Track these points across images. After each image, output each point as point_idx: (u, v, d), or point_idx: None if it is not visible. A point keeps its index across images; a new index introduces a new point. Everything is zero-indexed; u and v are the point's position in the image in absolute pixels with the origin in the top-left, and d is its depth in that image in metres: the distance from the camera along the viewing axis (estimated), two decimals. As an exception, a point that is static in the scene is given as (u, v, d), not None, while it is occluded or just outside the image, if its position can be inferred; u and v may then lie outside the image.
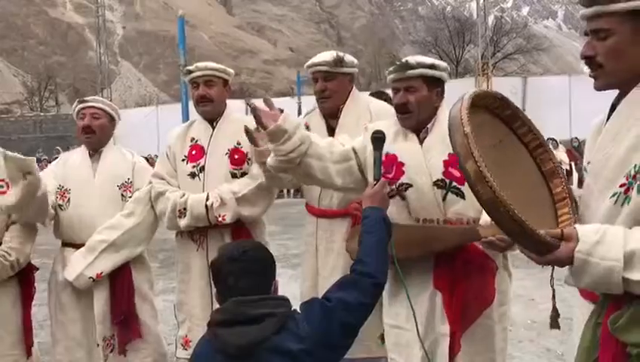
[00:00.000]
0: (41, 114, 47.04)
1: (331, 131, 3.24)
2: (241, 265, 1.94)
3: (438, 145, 2.51)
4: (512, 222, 1.57)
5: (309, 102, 3.39)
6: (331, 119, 3.28)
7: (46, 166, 13.22)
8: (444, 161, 2.49)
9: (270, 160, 2.60)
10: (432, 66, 2.56)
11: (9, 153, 3.01)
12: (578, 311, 2.54)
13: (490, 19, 47.22)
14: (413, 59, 2.60)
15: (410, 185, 2.53)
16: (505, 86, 22.27)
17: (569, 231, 1.61)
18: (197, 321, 3.36)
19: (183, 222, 3.31)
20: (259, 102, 2.58)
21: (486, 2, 30.19)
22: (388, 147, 2.50)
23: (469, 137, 1.64)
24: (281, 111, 2.57)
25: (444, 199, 2.50)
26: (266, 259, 2.02)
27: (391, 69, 2.62)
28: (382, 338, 2.83)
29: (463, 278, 2.49)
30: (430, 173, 2.51)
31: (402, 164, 2.56)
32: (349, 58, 3.24)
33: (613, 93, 1.76)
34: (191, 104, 4.24)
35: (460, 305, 2.48)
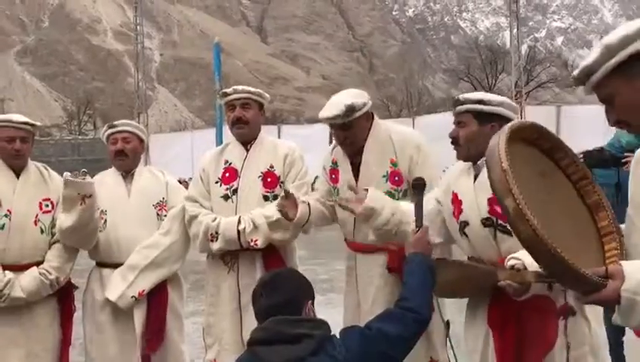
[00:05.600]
0: (79, 137, 48.25)
1: (355, 168, 3.22)
2: (271, 286, 2.02)
3: (485, 181, 2.50)
4: (554, 261, 1.51)
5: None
6: (355, 155, 3.27)
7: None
8: (489, 199, 2.43)
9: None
10: (479, 102, 2.52)
11: (70, 178, 3.15)
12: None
13: (524, 48, 46.97)
14: (463, 94, 2.61)
15: (467, 223, 2.50)
16: (538, 115, 22.01)
17: (614, 268, 1.53)
18: (226, 345, 3.35)
19: (215, 246, 3.34)
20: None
21: (519, 31, 30.08)
22: (454, 184, 2.56)
23: (507, 173, 1.59)
24: (366, 190, 2.74)
25: (494, 237, 2.44)
26: (296, 281, 2.06)
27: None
28: None
29: (516, 318, 2.39)
30: (480, 210, 2.47)
31: (460, 202, 2.53)
32: (359, 101, 3.09)
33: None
34: (225, 129, 4.33)
35: (512, 346, 2.38)
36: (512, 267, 2.25)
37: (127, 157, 3.53)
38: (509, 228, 2.19)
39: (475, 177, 2.53)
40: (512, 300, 2.34)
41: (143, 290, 3.35)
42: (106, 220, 3.44)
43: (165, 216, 3.51)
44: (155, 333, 3.38)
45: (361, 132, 3.17)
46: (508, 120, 2.48)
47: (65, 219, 3.23)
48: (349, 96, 3.14)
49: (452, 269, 2.43)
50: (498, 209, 2.38)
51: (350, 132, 3.13)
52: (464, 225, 2.52)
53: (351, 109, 3.04)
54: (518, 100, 27.94)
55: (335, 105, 3.09)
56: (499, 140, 1.68)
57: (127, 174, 3.57)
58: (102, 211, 3.45)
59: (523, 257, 2.21)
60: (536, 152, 1.88)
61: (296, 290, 2.04)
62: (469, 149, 2.54)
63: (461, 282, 2.42)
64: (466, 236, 2.53)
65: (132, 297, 3.33)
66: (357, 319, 3.17)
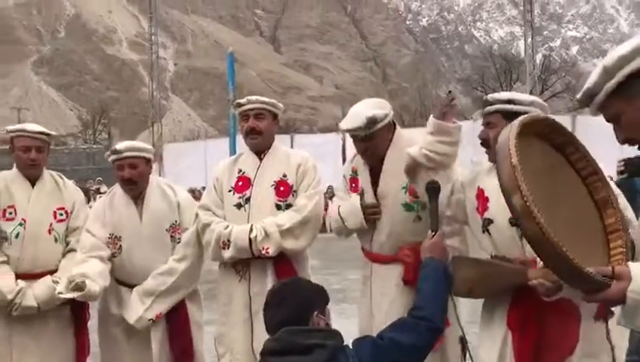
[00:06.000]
0: (94, 146, 48.71)
1: (375, 176, 3.21)
2: (276, 301, 2.04)
3: None
4: (559, 259, 1.51)
5: (354, 137, 3.36)
6: (375, 164, 3.26)
7: (94, 198, 13.59)
8: None
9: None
10: (509, 101, 2.51)
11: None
12: None
13: (538, 58, 46.79)
14: (492, 95, 2.59)
15: (492, 221, 2.49)
16: (553, 124, 21.88)
17: (621, 269, 1.54)
18: (237, 355, 3.34)
19: (226, 254, 3.33)
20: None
21: (534, 41, 29.99)
22: (480, 180, 2.55)
23: (516, 169, 1.59)
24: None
25: (521, 237, 2.41)
26: (301, 293, 2.06)
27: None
28: None
29: (537, 320, 2.37)
30: (508, 210, 2.47)
31: (487, 200, 2.53)
32: (380, 112, 3.05)
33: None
34: (238, 138, 4.33)
35: (531, 348, 2.36)
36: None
37: (135, 185, 3.45)
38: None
39: None
40: (533, 302, 2.32)
41: (160, 313, 3.38)
42: (120, 246, 3.44)
43: (179, 238, 3.49)
44: (178, 350, 3.41)
45: (382, 143, 3.15)
46: None
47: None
48: (371, 107, 3.11)
49: (472, 267, 2.41)
50: None
51: (371, 143, 3.12)
52: (488, 222, 2.50)
53: (372, 121, 3.01)
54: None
55: (356, 116, 3.06)
56: (509, 135, 1.68)
57: (138, 197, 3.51)
58: (116, 237, 3.43)
59: None
60: (546, 146, 1.88)
61: (300, 304, 2.03)
62: None
63: (482, 281, 2.40)
64: (489, 233, 2.51)
65: (149, 320, 3.36)
66: (370, 329, 3.15)
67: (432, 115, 2.77)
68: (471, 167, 2.76)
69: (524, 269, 2.35)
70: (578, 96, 1.69)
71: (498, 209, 2.46)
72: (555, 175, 1.84)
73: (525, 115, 1.88)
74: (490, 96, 2.58)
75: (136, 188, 3.47)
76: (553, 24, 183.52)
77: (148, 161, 3.52)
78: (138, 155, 3.45)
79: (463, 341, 2.58)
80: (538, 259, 2.30)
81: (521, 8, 35.07)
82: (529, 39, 29.75)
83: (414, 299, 2.14)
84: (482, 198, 2.55)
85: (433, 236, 2.32)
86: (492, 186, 2.50)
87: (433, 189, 2.40)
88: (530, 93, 29.09)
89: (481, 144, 2.60)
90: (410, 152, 2.77)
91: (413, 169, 2.78)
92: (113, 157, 3.45)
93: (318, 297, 2.10)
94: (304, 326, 1.95)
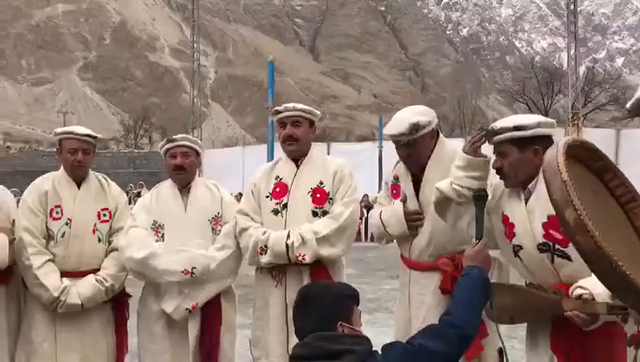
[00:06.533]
0: (135, 151, 49.72)
1: (417, 183, 3.21)
2: (301, 308, 2.07)
3: (539, 205, 2.40)
4: (615, 274, 1.46)
5: (391, 146, 3.37)
6: (417, 171, 3.24)
7: (134, 201, 13.88)
8: (544, 224, 2.37)
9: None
10: (517, 128, 2.45)
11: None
12: None
13: (582, 70, 45.83)
14: (498, 123, 2.54)
15: (521, 247, 2.45)
16: (596, 137, 21.38)
17: None
18: (273, 359, 3.37)
19: (263, 259, 3.37)
20: None
21: (578, 52, 29.39)
22: (503, 206, 2.51)
23: (567, 184, 1.56)
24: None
25: (552, 262, 2.38)
26: (325, 303, 2.05)
27: (484, 134, 2.59)
28: None
29: (581, 343, 2.32)
30: (534, 235, 2.41)
31: (513, 225, 2.49)
32: (424, 119, 3.07)
33: None
34: (276, 145, 4.38)
35: None
36: (579, 297, 2.20)
37: (185, 172, 3.58)
38: (572, 251, 2.14)
39: (526, 201, 2.48)
40: (575, 326, 2.27)
41: (197, 303, 3.41)
42: (163, 234, 3.51)
43: (220, 230, 3.56)
44: (206, 345, 3.43)
45: (425, 150, 3.15)
46: (547, 137, 2.46)
47: (136, 253, 3.33)
48: (416, 114, 3.12)
49: (511, 295, 2.39)
50: (555, 234, 2.33)
51: (413, 150, 3.12)
52: (518, 248, 2.47)
53: (415, 128, 3.03)
54: (575, 122, 27.22)
55: (400, 122, 3.09)
56: (557, 153, 1.66)
57: (184, 188, 3.64)
58: (160, 225, 3.51)
59: (590, 287, 2.16)
60: (585, 171, 1.85)
61: (323, 316, 2.02)
62: (517, 177, 2.50)
63: (521, 308, 2.37)
64: (520, 259, 2.48)
65: (186, 309, 3.40)
66: (408, 336, 3.15)
67: (462, 149, 2.74)
68: (491, 190, 2.72)
69: (558, 300, 2.30)
70: (628, 105, 1.65)
71: (525, 235, 2.43)
72: (597, 199, 1.80)
73: (568, 138, 1.85)
74: (496, 126, 2.52)
75: (185, 177, 3.59)
76: (598, 35, 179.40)
77: (198, 155, 3.68)
78: (191, 146, 3.62)
79: (502, 352, 2.56)
80: (572, 288, 2.27)
81: (565, 19, 34.42)
82: (572, 51, 29.18)
83: (447, 306, 2.13)
84: (508, 224, 2.51)
85: (477, 244, 2.29)
86: (516, 212, 2.49)
87: (480, 197, 2.38)
88: (573, 105, 28.49)
89: (497, 173, 2.55)
90: (439, 187, 2.76)
91: (442, 203, 2.77)
92: (168, 145, 3.60)
93: (345, 304, 2.10)
94: (333, 332, 1.95)
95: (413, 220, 3.15)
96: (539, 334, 2.47)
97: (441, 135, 3.25)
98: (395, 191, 3.33)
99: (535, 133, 2.45)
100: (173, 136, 3.68)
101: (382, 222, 3.28)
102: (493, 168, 2.55)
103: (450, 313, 2.02)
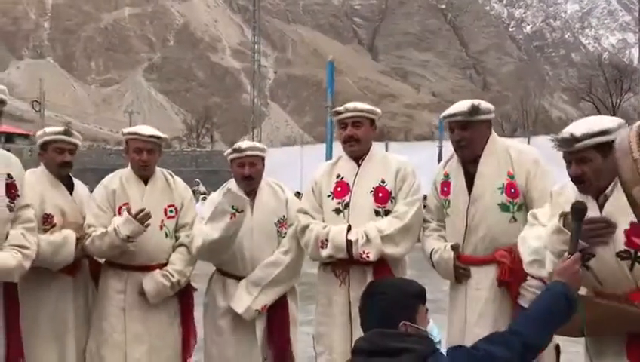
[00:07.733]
0: (198, 149, 50.96)
1: (469, 178, 3.18)
2: (370, 295, 2.13)
3: (618, 212, 2.29)
4: None
5: (451, 148, 3.34)
6: (470, 165, 3.24)
7: (198, 199, 14.24)
8: (626, 231, 2.28)
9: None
10: (602, 133, 2.32)
11: (232, 190, 3.39)
12: None
13: (654, 66, 43.75)
14: (578, 130, 2.37)
15: (593, 255, 2.36)
16: (669, 137, 20.38)
17: None
18: (335, 355, 3.39)
19: (324, 253, 3.39)
20: None
21: (649, 48, 28.12)
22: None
23: (638, 163, 1.55)
24: None
25: (631, 269, 2.29)
26: (393, 293, 2.10)
27: (556, 142, 2.42)
28: None
29: None
30: (615, 243, 2.31)
31: None
32: (485, 105, 3.17)
33: None
34: (335, 144, 4.40)
35: None
36: None
37: (253, 181, 3.64)
38: None
39: (601, 207, 2.37)
40: None
41: (266, 305, 3.53)
42: None
43: (285, 233, 3.64)
44: (276, 347, 3.54)
45: (479, 137, 3.15)
46: None
47: (211, 232, 3.38)
48: (475, 100, 3.23)
49: (599, 309, 2.30)
50: (638, 241, 2.24)
51: (468, 132, 3.12)
52: (588, 256, 2.36)
53: (475, 109, 3.09)
54: (646, 121, 26.03)
55: (462, 103, 3.19)
56: (630, 132, 1.65)
57: (250, 192, 3.66)
58: None
59: None
60: None
61: (386, 314, 2.03)
62: (599, 184, 2.37)
63: (608, 322, 2.30)
64: (586, 268, 2.37)
65: (256, 311, 3.51)
66: (463, 333, 3.12)
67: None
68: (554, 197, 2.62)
69: None
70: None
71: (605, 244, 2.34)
72: None
73: None
74: (579, 133, 2.35)
75: (252, 185, 3.65)
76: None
77: (263, 160, 3.73)
78: (258, 154, 3.67)
79: (557, 349, 2.50)
80: None
81: (636, 14, 32.99)
82: (644, 46, 27.90)
83: (520, 314, 2.09)
84: None
85: (568, 259, 2.20)
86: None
87: (579, 210, 2.24)
88: (644, 103, 27.22)
89: (574, 181, 2.42)
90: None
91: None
92: (235, 155, 3.64)
93: (408, 303, 2.09)
94: (395, 330, 1.96)
95: (462, 275, 3.16)
96: (608, 343, 2.37)
97: (493, 132, 3.24)
98: (445, 188, 3.30)
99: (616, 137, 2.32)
100: (240, 145, 3.69)
101: (432, 261, 3.30)
102: (572, 176, 2.41)
103: (517, 321, 2.00)
